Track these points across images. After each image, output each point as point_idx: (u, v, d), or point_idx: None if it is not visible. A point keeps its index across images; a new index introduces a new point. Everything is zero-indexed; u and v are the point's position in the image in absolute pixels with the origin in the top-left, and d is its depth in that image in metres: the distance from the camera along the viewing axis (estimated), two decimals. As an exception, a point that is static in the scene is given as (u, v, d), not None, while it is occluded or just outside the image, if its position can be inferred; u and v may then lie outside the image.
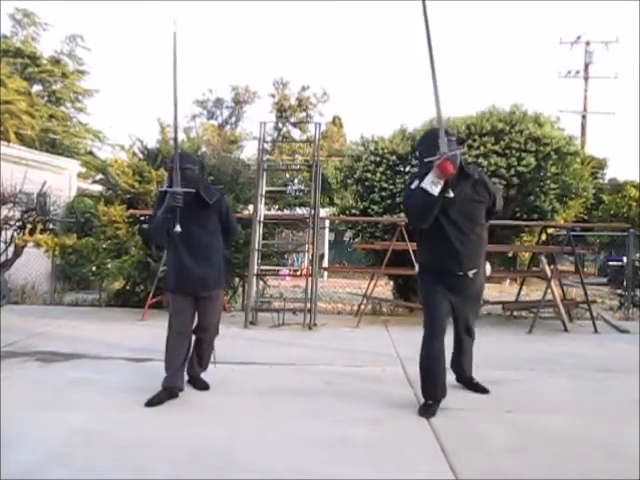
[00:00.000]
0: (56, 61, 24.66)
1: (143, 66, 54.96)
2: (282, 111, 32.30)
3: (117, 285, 8.11)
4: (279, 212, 8.54)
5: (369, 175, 8.12)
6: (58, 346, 5.17)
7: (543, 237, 7.82)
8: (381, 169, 8.05)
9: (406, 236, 6.73)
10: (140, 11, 56.04)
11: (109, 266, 7.14)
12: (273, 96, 32.84)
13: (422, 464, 2.78)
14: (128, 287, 7.95)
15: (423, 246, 3.70)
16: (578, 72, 26.03)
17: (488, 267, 3.82)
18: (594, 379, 4.44)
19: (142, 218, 7.53)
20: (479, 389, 3.93)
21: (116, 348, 5.12)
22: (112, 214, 7.13)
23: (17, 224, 7.83)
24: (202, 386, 3.95)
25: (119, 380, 4.10)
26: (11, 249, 7.80)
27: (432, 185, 3.25)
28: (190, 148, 8.59)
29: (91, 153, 23.74)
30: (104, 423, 3.24)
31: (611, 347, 5.88)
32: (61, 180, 11.71)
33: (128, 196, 7.56)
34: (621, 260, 13.32)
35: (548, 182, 7.90)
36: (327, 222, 13.73)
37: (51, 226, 8.12)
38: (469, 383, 3.98)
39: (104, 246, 7.25)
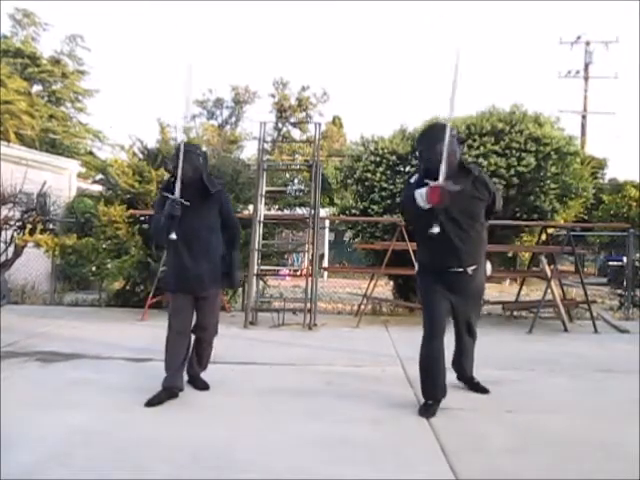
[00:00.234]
0: (56, 61, 24.66)
1: (143, 66, 55.02)
2: (282, 111, 32.30)
3: (117, 285, 8.11)
4: (279, 212, 8.54)
5: (369, 175, 8.12)
6: (58, 346, 5.17)
7: (543, 237, 7.82)
8: (381, 169, 8.05)
9: (406, 236, 6.73)
10: (140, 11, 56.08)
11: (109, 266, 7.14)
12: (273, 96, 32.87)
13: (422, 464, 2.78)
14: (128, 287, 7.96)
15: (422, 244, 3.70)
16: (578, 72, 26.05)
17: (489, 266, 3.80)
18: (594, 379, 4.44)
19: (142, 218, 7.53)
20: (480, 389, 3.93)
21: (116, 348, 5.12)
22: (112, 214, 7.13)
23: (17, 224, 7.83)
24: (202, 386, 3.95)
25: (119, 380, 4.10)
26: (11, 249, 7.80)
27: (422, 199, 3.27)
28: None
29: (91, 153, 23.74)
30: (104, 423, 3.24)
31: (611, 347, 5.88)
32: (61, 180, 11.72)
33: (128, 196, 7.56)
34: (621, 260, 13.32)
35: (548, 182, 7.90)
36: (327, 222, 13.73)
37: (51, 226, 8.12)
38: (470, 383, 3.98)
39: (104, 246, 7.25)
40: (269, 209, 8.09)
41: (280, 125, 32.25)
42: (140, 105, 51.92)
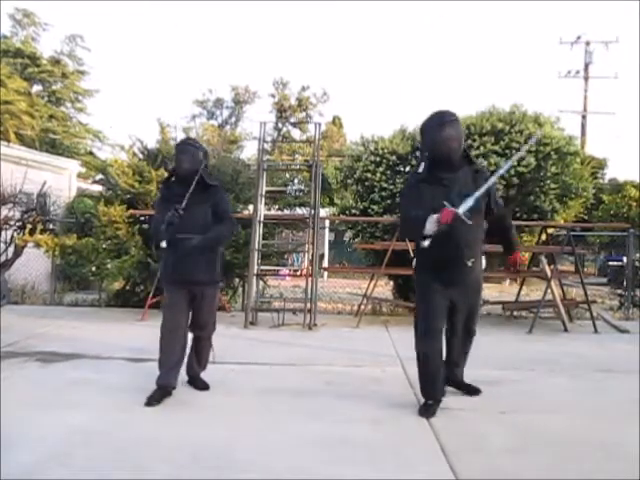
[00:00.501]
0: (56, 61, 24.65)
1: (143, 66, 55.02)
2: (282, 111, 32.30)
3: (117, 285, 8.11)
4: (279, 212, 8.54)
5: (369, 175, 8.12)
6: (58, 346, 5.16)
7: (543, 237, 7.82)
8: (381, 169, 8.06)
9: (406, 236, 6.72)
10: (140, 11, 56.09)
11: (109, 266, 7.14)
12: (273, 96, 32.88)
13: (422, 464, 2.78)
14: (128, 287, 7.95)
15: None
16: (578, 72, 26.05)
17: (483, 261, 3.82)
18: (594, 379, 4.44)
19: (142, 218, 7.53)
20: (471, 390, 3.85)
21: (116, 348, 5.12)
22: (112, 214, 7.13)
23: (17, 224, 7.82)
24: (202, 386, 3.95)
25: (119, 380, 4.10)
26: (11, 249, 7.80)
27: (430, 226, 3.27)
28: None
29: (91, 153, 23.74)
30: (104, 423, 3.24)
31: (611, 347, 5.87)
32: (61, 180, 11.71)
33: (128, 196, 7.56)
34: (621, 260, 13.32)
35: (548, 182, 7.91)
36: (327, 222, 13.73)
37: (51, 226, 8.11)
38: (461, 386, 3.86)
39: (104, 246, 7.25)
40: (269, 209, 8.09)
41: (280, 125, 32.26)
42: (140, 105, 51.98)
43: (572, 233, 7.27)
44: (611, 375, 4.57)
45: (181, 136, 7.95)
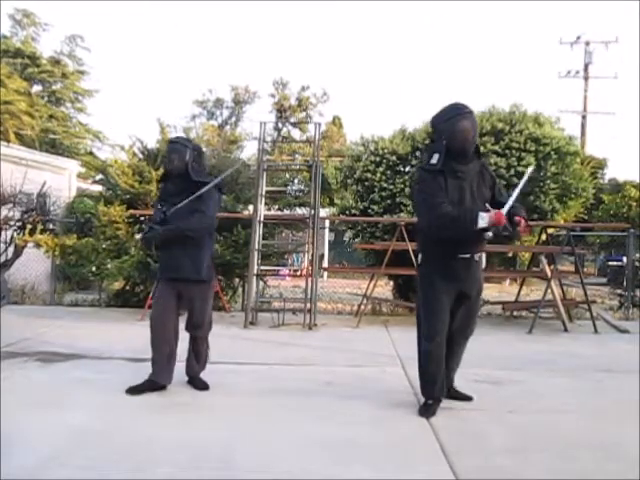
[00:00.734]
0: (56, 61, 24.66)
1: (143, 66, 55.02)
2: (282, 111, 32.28)
3: (117, 285, 8.10)
4: (279, 212, 8.54)
5: (369, 175, 8.12)
6: (58, 346, 5.16)
7: (543, 237, 7.82)
8: (381, 169, 8.05)
9: (406, 236, 6.73)
10: (140, 11, 56.10)
11: (109, 266, 7.14)
12: (273, 96, 32.85)
13: (422, 464, 2.78)
14: (128, 287, 7.95)
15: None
16: (578, 72, 26.07)
17: (483, 256, 3.84)
18: (594, 379, 4.44)
19: (142, 218, 7.53)
20: (461, 397, 3.75)
21: (116, 348, 5.12)
22: (112, 214, 7.14)
23: (17, 224, 7.83)
24: (202, 386, 3.95)
25: (119, 380, 4.09)
26: (11, 249, 7.80)
27: (482, 221, 3.28)
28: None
29: (91, 153, 23.74)
30: (104, 423, 3.23)
31: (611, 347, 5.88)
32: (61, 180, 11.69)
33: (128, 196, 7.57)
34: (621, 260, 13.32)
35: (548, 182, 7.90)
36: (327, 222, 13.71)
37: (51, 226, 8.12)
38: (451, 391, 3.74)
39: (104, 246, 7.26)
40: (269, 209, 8.09)
41: (280, 125, 32.24)
42: (140, 105, 51.98)
43: (572, 233, 7.27)
44: (611, 375, 4.57)
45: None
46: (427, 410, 3.46)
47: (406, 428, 3.26)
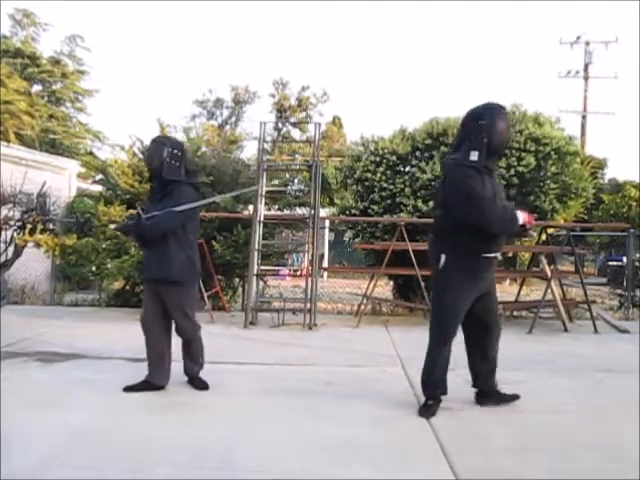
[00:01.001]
0: (56, 61, 24.66)
1: (143, 66, 55.02)
2: (282, 111, 32.27)
3: (117, 285, 8.11)
4: (279, 212, 8.53)
5: (369, 175, 8.11)
6: (58, 346, 5.17)
7: (543, 237, 7.82)
8: (381, 169, 8.05)
9: (406, 236, 6.73)
10: (140, 11, 56.11)
11: (109, 266, 7.15)
12: (273, 96, 32.83)
13: (422, 464, 2.78)
14: (128, 287, 7.95)
15: (463, 230, 3.40)
16: (578, 72, 26.09)
17: None
18: (594, 379, 4.44)
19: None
20: (507, 398, 3.69)
21: (116, 348, 5.12)
22: (112, 214, 7.14)
23: (17, 224, 7.82)
24: (201, 386, 3.95)
25: (119, 380, 4.09)
26: (11, 249, 7.80)
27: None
28: (190, 148, 8.58)
29: (91, 153, 23.75)
30: (104, 423, 3.24)
31: (611, 347, 5.88)
32: (61, 180, 11.70)
33: (128, 196, 7.57)
34: (621, 260, 13.32)
35: (548, 182, 7.90)
36: (327, 222, 13.72)
37: (51, 226, 8.11)
38: (494, 392, 3.69)
39: (104, 246, 7.26)
40: (269, 209, 8.08)
41: (280, 125, 32.22)
42: (140, 105, 51.98)
43: (572, 233, 7.27)
44: (611, 375, 4.57)
45: (181, 136, 7.95)
46: (427, 410, 3.46)
47: (406, 428, 3.26)
